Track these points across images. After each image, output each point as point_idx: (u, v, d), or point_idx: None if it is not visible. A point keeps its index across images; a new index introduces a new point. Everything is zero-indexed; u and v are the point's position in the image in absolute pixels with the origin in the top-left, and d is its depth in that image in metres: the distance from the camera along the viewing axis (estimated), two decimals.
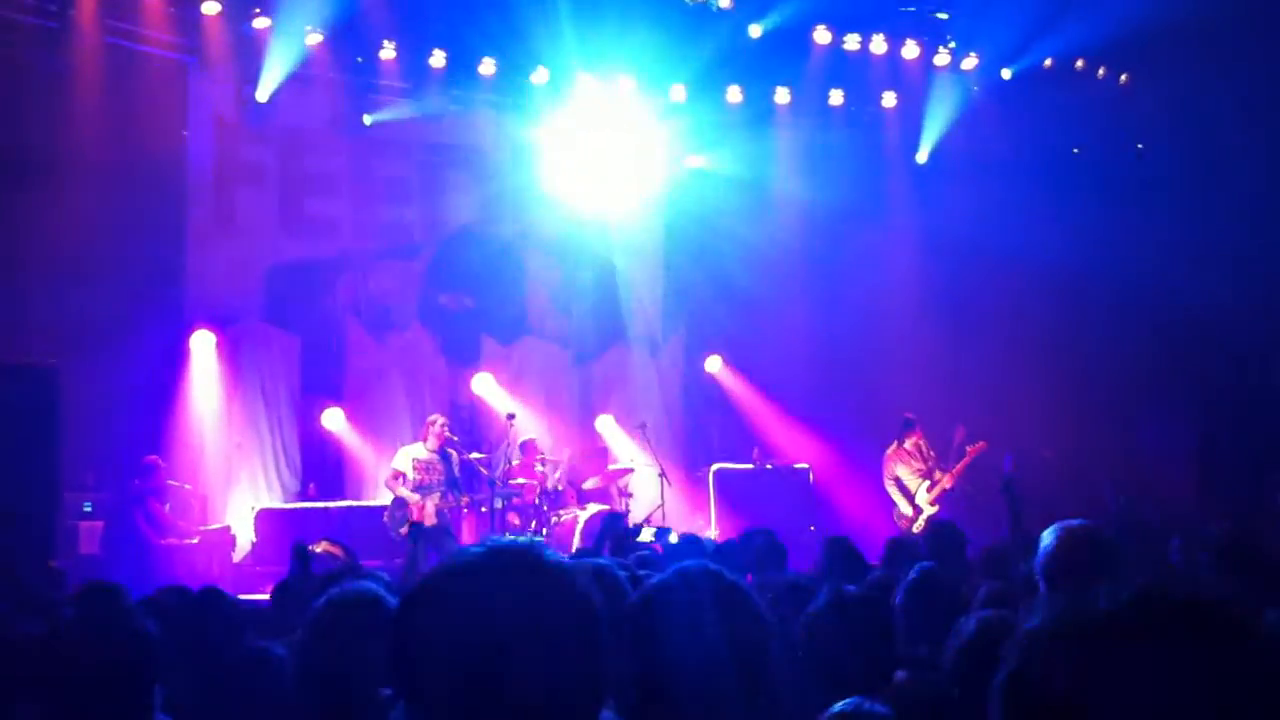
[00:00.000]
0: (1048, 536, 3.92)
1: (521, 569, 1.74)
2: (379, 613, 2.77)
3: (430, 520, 11.19)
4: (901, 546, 6.48)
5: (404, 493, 11.37)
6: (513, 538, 1.83)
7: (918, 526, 11.87)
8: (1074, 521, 3.99)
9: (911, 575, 4.40)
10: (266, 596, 7.71)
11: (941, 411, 13.31)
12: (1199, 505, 13.20)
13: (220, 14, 12.58)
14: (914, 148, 15.85)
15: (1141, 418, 14.81)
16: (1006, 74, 15.20)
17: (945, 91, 15.43)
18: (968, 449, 12.50)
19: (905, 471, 12.39)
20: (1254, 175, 14.01)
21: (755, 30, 14.10)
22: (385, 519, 11.65)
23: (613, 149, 15.15)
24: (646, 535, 10.20)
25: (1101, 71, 15.35)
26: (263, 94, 13.23)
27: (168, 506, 11.86)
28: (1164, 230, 14.23)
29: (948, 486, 12.31)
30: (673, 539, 8.04)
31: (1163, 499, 12.94)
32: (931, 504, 12.21)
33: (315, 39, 13.09)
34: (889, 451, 12.51)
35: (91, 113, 11.85)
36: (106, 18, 12.00)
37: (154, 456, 11.91)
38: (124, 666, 3.07)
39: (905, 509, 12.26)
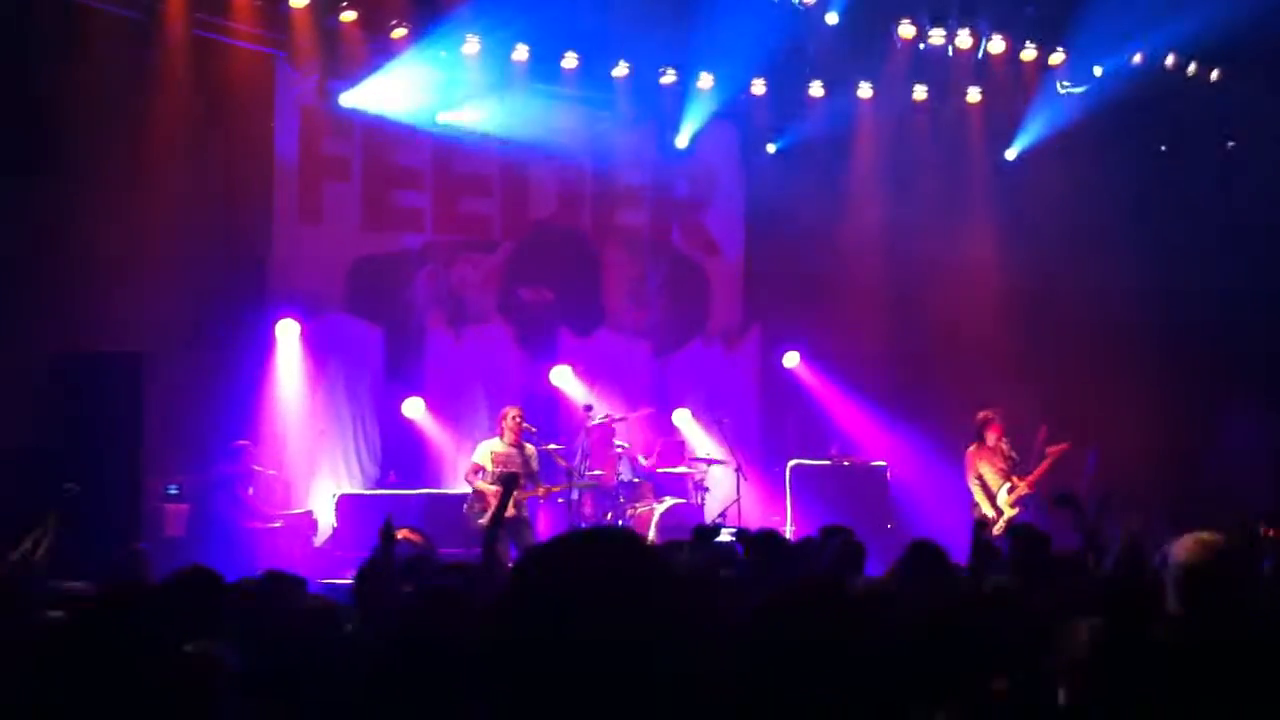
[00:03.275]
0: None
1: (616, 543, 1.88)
2: None
3: (510, 510, 11.22)
4: (924, 550, 6.14)
5: (483, 486, 11.45)
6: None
7: (998, 528, 11.67)
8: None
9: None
10: (346, 581, 7.81)
11: (1024, 409, 13.10)
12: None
13: (308, 7, 12.72)
14: (997, 143, 15.65)
15: (1228, 415, 14.49)
16: (1097, 71, 14.94)
17: (1033, 88, 15.21)
18: (1048, 450, 12.25)
19: (989, 470, 12.14)
20: None
21: (832, 18, 13.99)
22: (465, 509, 11.73)
23: (692, 142, 15.18)
24: (725, 536, 10.12)
25: (1193, 69, 15.00)
26: (350, 99, 13.41)
27: (251, 491, 12.08)
28: (1251, 226, 13.93)
29: (1027, 492, 12.07)
30: (725, 535, 7.95)
31: (1240, 499, 12.65)
32: (1012, 506, 11.99)
33: (400, 33, 13.22)
34: (970, 449, 12.27)
35: (179, 105, 12.08)
36: (195, 11, 12.20)
37: (244, 441, 12.13)
38: None
39: (987, 509, 12.00)
